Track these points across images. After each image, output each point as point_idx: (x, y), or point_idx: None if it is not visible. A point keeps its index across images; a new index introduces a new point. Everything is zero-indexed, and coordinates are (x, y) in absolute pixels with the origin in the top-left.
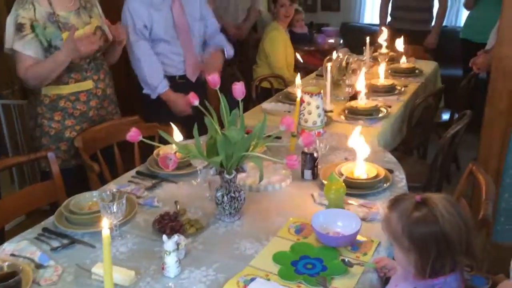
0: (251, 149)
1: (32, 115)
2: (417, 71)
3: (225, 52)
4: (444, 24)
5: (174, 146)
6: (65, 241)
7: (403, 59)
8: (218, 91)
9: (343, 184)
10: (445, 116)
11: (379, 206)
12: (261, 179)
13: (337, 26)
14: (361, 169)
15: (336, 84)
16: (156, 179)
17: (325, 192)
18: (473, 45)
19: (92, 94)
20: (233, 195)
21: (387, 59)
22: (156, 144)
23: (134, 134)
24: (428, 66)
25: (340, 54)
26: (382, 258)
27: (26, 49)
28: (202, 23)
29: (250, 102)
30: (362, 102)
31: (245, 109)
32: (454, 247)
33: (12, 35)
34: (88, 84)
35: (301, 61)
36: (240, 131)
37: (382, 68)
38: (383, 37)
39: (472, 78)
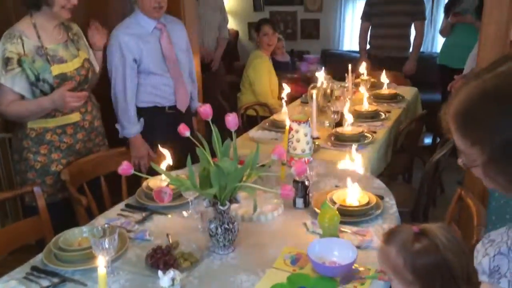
0: (244, 179)
1: (17, 148)
2: (399, 97)
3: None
4: (421, 50)
5: (163, 177)
6: (55, 280)
7: (385, 85)
8: (210, 122)
9: (337, 212)
10: (427, 140)
11: (373, 233)
12: (255, 209)
13: (317, 53)
14: (353, 196)
15: (321, 110)
16: (146, 212)
17: (319, 221)
18: (450, 70)
19: (79, 127)
20: (227, 226)
21: (369, 86)
22: (144, 175)
23: (126, 168)
24: (408, 92)
25: (325, 81)
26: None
27: (12, 83)
28: (188, 54)
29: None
30: (348, 128)
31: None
32: (457, 275)
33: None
34: (75, 117)
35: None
36: (234, 162)
37: (365, 94)
38: (363, 67)
39: None
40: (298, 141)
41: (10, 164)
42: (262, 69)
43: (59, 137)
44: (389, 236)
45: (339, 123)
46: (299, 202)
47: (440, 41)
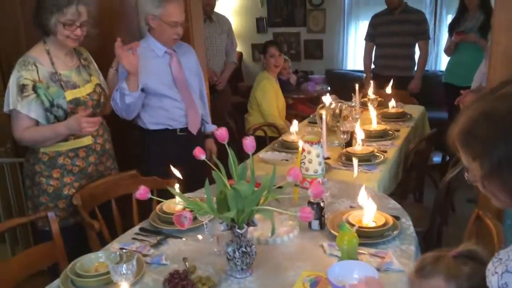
0: (261, 202)
1: (29, 173)
2: (406, 115)
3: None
4: (425, 69)
5: (177, 200)
6: None
7: (392, 103)
8: (226, 145)
9: (356, 234)
10: (436, 158)
11: (391, 255)
12: (273, 233)
13: (320, 73)
14: (369, 217)
15: (330, 130)
16: (160, 235)
17: (338, 243)
18: (455, 88)
19: (91, 150)
20: (244, 250)
21: (376, 105)
22: (156, 198)
23: (143, 192)
24: (415, 110)
25: (333, 101)
26: None
27: (28, 110)
28: (199, 77)
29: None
30: (359, 148)
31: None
32: None
33: (15, 96)
34: (88, 140)
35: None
36: (251, 185)
37: (373, 113)
38: (370, 88)
39: None
40: (310, 162)
41: (20, 189)
42: (269, 91)
43: (71, 161)
44: (426, 269)
45: (349, 143)
46: (315, 224)
47: (443, 59)
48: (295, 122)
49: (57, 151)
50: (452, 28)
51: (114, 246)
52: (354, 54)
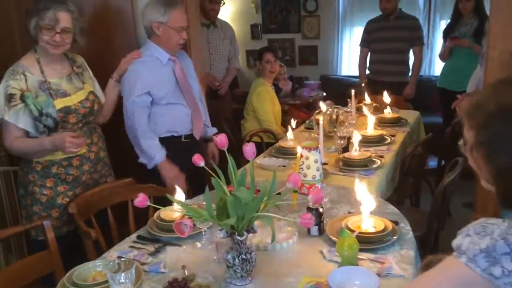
0: (261, 208)
1: (23, 182)
2: (402, 120)
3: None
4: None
5: (175, 208)
6: None
7: (388, 109)
8: (226, 151)
9: (356, 240)
10: (432, 163)
11: (391, 260)
12: (273, 239)
13: (315, 79)
14: (369, 222)
15: (327, 136)
16: (159, 243)
17: (338, 249)
18: (450, 93)
19: (85, 158)
20: (244, 257)
21: (372, 110)
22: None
23: (142, 200)
24: (411, 116)
25: (329, 107)
26: None
27: (16, 119)
28: (197, 82)
29: (242, 157)
30: (356, 153)
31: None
32: None
33: (3, 106)
34: (82, 148)
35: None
36: (251, 191)
37: (370, 119)
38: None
39: (456, 125)
40: (308, 167)
41: (14, 197)
42: (265, 97)
43: (65, 170)
44: (431, 265)
45: (346, 149)
46: (314, 229)
47: (437, 64)
48: (292, 123)
49: (51, 160)
50: (446, 33)
51: (112, 254)
52: (349, 60)
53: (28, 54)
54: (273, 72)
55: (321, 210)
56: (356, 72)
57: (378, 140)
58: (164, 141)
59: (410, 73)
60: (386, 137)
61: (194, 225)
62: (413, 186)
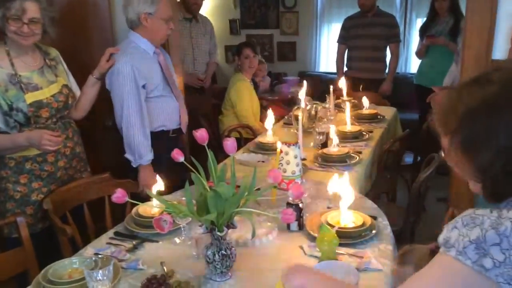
0: (241, 203)
1: None
2: (379, 116)
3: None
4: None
5: (154, 203)
6: None
7: (366, 105)
8: (206, 147)
9: (336, 235)
10: (408, 159)
11: (370, 254)
12: (253, 235)
13: (294, 75)
14: (348, 217)
15: (305, 131)
16: (136, 239)
17: (318, 244)
18: (426, 90)
19: (61, 154)
20: (224, 252)
21: (350, 106)
22: (134, 201)
23: (120, 196)
24: (388, 112)
25: (307, 103)
26: None
27: None
28: (176, 78)
29: (220, 153)
30: (335, 149)
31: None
32: None
33: None
34: (58, 147)
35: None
36: (231, 186)
37: (348, 115)
38: (343, 85)
39: (432, 121)
40: (288, 163)
41: None
42: (244, 92)
43: (39, 166)
44: (403, 257)
45: (324, 144)
46: (294, 225)
47: (413, 62)
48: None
49: (24, 156)
50: (423, 31)
51: (88, 251)
52: (327, 56)
53: None
54: (252, 67)
55: (300, 205)
56: (334, 69)
57: (356, 136)
58: (153, 136)
59: (387, 70)
60: (364, 133)
61: (174, 221)
62: (390, 182)
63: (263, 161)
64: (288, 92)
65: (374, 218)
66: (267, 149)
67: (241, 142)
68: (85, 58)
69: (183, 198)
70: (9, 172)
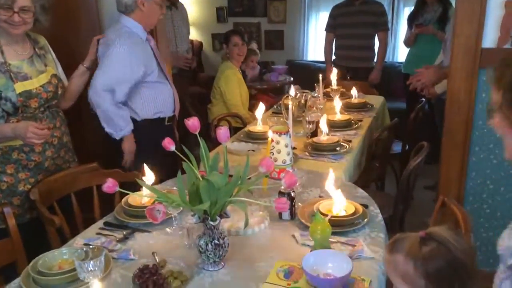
0: (234, 193)
1: None
2: (368, 105)
3: None
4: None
5: (143, 193)
6: None
7: (355, 94)
8: (198, 135)
9: (329, 223)
10: (396, 148)
11: (362, 242)
12: (246, 224)
13: (282, 64)
14: (339, 206)
15: (295, 120)
16: (127, 230)
17: (311, 233)
18: None
19: (48, 144)
20: (217, 242)
21: (339, 95)
22: (124, 191)
23: (111, 185)
24: (376, 101)
25: (297, 92)
26: None
27: None
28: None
29: (208, 142)
30: (324, 138)
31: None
32: (470, 273)
33: None
34: (44, 141)
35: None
36: (224, 176)
37: (338, 104)
38: (333, 75)
39: (420, 111)
40: (279, 152)
41: None
42: (233, 80)
43: (26, 155)
44: (394, 245)
45: (314, 133)
46: (286, 214)
47: (401, 51)
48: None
49: (11, 145)
50: (411, 20)
51: (78, 242)
52: (315, 44)
53: None
54: (240, 55)
55: (293, 194)
56: (322, 57)
57: (346, 125)
58: (150, 123)
59: (375, 59)
60: (353, 121)
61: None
62: (379, 170)
63: (253, 150)
64: (277, 81)
65: (366, 206)
66: (257, 138)
67: (230, 131)
68: (72, 45)
69: (174, 188)
70: None
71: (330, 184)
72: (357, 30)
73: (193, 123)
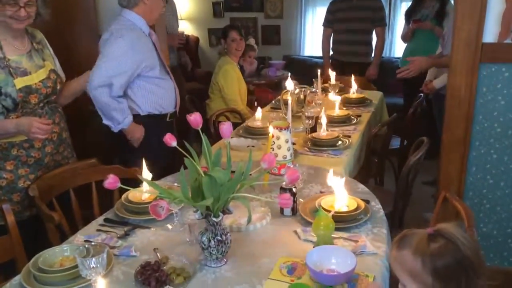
0: (237, 189)
1: None
2: (367, 101)
3: None
4: None
5: (143, 188)
6: None
7: (354, 89)
8: (200, 131)
9: (332, 219)
10: (394, 143)
11: (365, 238)
12: (249, 220)
13: (278, 59)
14: (341, 202)
15: (294, 116)
16: (127, 226)
17: (314, 229)
18: None
19: (48, 140)
20: (220, 238)
21: (337, 90)
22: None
23: (112, 181)
24: (374, 96)
25: (297, 87)
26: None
27: None
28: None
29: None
30: (324, 133)
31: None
32: (478, 271)
33: None
34: (47, 136)
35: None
36: (227, 172)
37: (337, 99)
38: (332, 74)
39: (418, 107)
40: (279, 147)
41: None
42: (232, 75)
43: (26, 152)
44: (401, 241)
45: (313, 128)
46: (287, 210)
47: (398, 46)
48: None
49: (10, 142)
50: (409, 15)
51: (78, 238)
52: (312, 40)
53: None
54: (239, 50)
55: (294, 190)
56: (319, 53)
57: (345, 120)
58: (149, 119)
59: (372, 54)
60: (352, 117)
61: None
62: (378, 166)
63: (253, 146)
64: (275, 76)
65: (367, 202)
66: (256, 133)
67: None
68: (68, 39)
69: (175, 184)
70: None
71: (333, 178)
72: (355, 25)
73: (195, 118)
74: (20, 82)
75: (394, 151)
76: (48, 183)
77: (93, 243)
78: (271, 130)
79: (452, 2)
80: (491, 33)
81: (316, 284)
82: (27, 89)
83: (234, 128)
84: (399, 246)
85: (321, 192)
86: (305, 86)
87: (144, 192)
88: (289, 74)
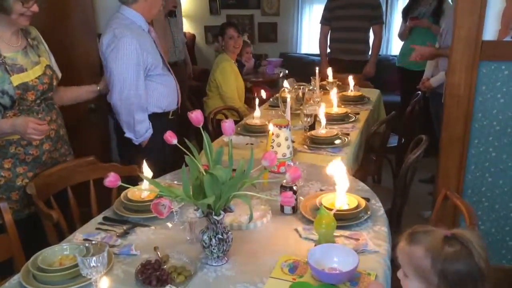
0: (238, 187)
1: None
2: (365, 98)
3: None
4: None
5: (142, 186)
6: None
7: (351, 86)
8: (201, 129)
9: (334, 218)
10: (392, 141)
11: (366, 236)
12: (251, 218)
13: (275, 57)
14: (342, 200)
15: (292, 113)
16: (127, 224)
17: (316, 227)
18: (409, 72)
19: (46, 137)
20: (221, 236)
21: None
22: (126, 185)
23: (113, 180)
24: (372, 94)
25: (294, 85)
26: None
27: None
28: None
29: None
30: (323, 131)
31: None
32: (485, 277)
33: None
34: (43, 136)
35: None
36: (228, 170)
37: (335, 97)
38: (329, 69)
39: (416, 105)
40: (279, 145)
41: None
42: (229, 73)
43: (24, 149)
44: (415, 236)
45: (312, 126)
46: (288, 208)
47: (395, 44)
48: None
49: (8, 139)
50: (406, 13)
51: (77, 237)
52: (309, 37)
53: None
54: (236, 47)
55: (295, 188)
56: (315, 50)
57: (343, 118)
58: (152, 118)
59: (370, 52)
60: (351, 115)
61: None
62: (376, 164)
63: (252, 144)
64: (272, 74)
65: (368, 200)
66: (255, 131)
67: None
68: (64, 36)
69: (175, 182)
70: None
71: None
72: (353, 23)
73: (196, 116)
74: (16, 79)
75: (391, 149)
76: (46, 181)
77: (93, 242)
78: (271, 128)
79: (450, 0)
80: (490, 31)
81: (318, 283)
82: (24, 86)
83: None
84: (411, 241)
85: (321, 190)
86: (303, 84)
87: (143, 190)
88: (286, 72)
